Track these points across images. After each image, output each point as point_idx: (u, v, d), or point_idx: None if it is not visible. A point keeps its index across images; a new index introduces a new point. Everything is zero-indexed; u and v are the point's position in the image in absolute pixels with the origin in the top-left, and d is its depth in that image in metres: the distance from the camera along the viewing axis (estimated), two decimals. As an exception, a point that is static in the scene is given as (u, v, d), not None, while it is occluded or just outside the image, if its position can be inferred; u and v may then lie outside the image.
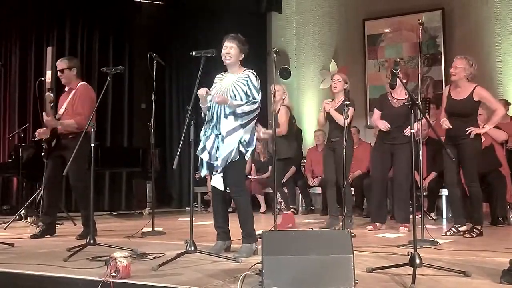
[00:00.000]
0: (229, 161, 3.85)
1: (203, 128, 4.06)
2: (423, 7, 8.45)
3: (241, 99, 3.89)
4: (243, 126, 3.89)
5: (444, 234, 4.97)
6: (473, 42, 8.27)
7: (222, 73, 4.12)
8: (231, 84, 3.96)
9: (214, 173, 3.95)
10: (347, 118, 5.02)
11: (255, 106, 3.91)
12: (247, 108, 3.87)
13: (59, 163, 5.11)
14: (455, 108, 5.02)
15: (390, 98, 5.48)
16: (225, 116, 3.90)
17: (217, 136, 3.95)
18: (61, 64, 5.28)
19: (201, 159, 4.03)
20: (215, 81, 4.11)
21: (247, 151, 3.92)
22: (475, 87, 4.93)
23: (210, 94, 3.92)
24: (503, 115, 4.90)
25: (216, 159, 3.91)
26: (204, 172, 4.11)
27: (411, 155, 5.25)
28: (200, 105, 4.00)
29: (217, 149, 3.92)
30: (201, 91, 3.88)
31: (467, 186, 4.99)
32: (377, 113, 5.61)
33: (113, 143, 9.10)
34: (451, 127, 4.91)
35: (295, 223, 5.92)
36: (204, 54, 3.83)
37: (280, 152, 5.66)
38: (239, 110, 3.86)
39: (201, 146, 4.02)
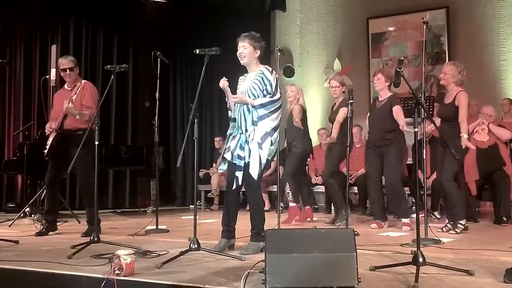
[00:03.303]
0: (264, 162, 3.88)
1: (230, 128, 4.08)
2: (428, 5, 8.44)
3: (259, 97, 3.90)
4: (274, 129, 3.90)
5: (440, 230, 5.00)
6: (477, 40, 8.26)
7: (245, 75, 4.11)
8: (249, 84, 3.96)
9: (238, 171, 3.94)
10: (351, 116, 5.02)
11: (275, 100, 3.90)
12: (267, 104, 3.86)
13: (62, 162, 5.14)
14: (442, 113, 5.17)
15: (376, 102, 5.63)
16: (256, 123, 3.88)
17: (240, 135, 3.96)
18: (68, 62, 5.29)
19: (223, 157, 4.07)
20: (238, 83, 4.10)
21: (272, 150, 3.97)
22: (459, 92, 4.99)
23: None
24: (466, 127, 4.99)
25: (238, 158, 3.92)
26: (225, 167, 4.09)
27: (398, 154, 5.39)
28: (226, 100, 4.04)
29: (239, 147, 3.92)
30: (221, 83, 3.92)
31: (443, 184, 5.05)
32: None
33: (117, 141, 9.12)
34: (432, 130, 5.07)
35: (303, 220, 5.97)
36: (208, 52, 3.83)
37: (297, 144, 5.77)
38: (259, 110, 3.85)
39: (226, 145, 4.06)
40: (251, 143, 3.86)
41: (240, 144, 3.94)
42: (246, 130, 3.93)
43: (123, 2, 9.41)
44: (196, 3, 9.61)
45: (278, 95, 3.93)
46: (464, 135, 4.92)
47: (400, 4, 8.82)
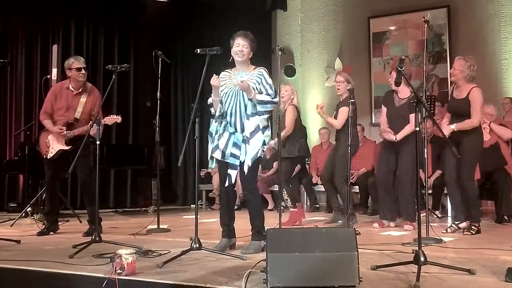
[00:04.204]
0: (255, 159, 3.87)
1: (212, 124, 4.03)
2: (428, 4, 8.44)
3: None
4: (265, 127, 3.91)
5: (445, 231, 4.98)
6: (479, 39, 8.25)
7: (228, 70, 4.08)
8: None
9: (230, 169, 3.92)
10: (352, 116, 5.00)
11: (275, 102, 3.93)
12: (268, 102, 3.87)
13: (63, 161, 5.14)
14: (454, 108, 5.07)
15: (394, 96, 5.48)
16: (248, 117, 3.88)
17: (232, 134, 3.92)
18: (84, 62, 5.23)
19: (212, 156, 4.02)
20: (222, 78, 4.03)
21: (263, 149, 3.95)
22: (473, 88, 4.92)
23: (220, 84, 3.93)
24: (471, 125, 4.88)
25: (231, 156, 3.88)
26: (213, 165, 4.08)
27: (415, 152, 5.29)
28: (212, 97, 3.97)
29: (234, 146, 3.88)
30: (214, 81, 3.88)
31: (464, 184, 4.96)
32: (383, 110, 5.62)
33: (118, 141, 9.12)
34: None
35: (302, 221, 5.93)
36: (209, 52, 3.82)
37: (285, 151, 5.68)
38: (258, 106, 3.85)
39: (213, 144, 3.98)
40: (251, 141, 3.85)
41: (235, 142, 3.90)
42: (242, 130, 3.91)
43: (123, 2, 9.42)
44: (197, 3, 9.60)
45: (277, 98, 3.97)
46: (452, 126, 4.84)
47: (401, 3, 8.82)
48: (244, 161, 3.87)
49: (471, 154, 4.89)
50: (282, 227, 5.13)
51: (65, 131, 5.12)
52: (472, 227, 4.90)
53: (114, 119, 4.96)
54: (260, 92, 3.89)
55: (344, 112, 5.53)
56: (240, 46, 3.95)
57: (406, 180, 5.27)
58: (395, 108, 5.44)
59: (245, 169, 3.86)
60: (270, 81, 3.94)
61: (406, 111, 5.27)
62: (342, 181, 5.60)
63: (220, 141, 3.95)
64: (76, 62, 5.22)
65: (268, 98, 3.88)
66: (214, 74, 3.90)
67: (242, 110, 3.91)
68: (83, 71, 5.20)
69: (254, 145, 3.85)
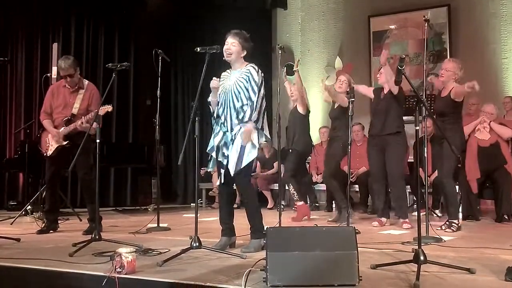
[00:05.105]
0: (243, 163, 3.84)
1: (214, 127, 4.05)
2: (429, 3, 8.44)
3: (245, 96, 3.87)
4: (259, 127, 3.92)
5: (439, 228, 5.00)
6: (479, 38, 8.26)
7: (228, 71, 4.09)
8: (234, 82, 3.94)
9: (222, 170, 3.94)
10: (352, 115, 5.01)
11: (262, 97, 3.89)
12: (255, 109, 3.85)
13: (63, 160, 5.14)
14: (436, 107, 5.18)
15: (381, 92, 5.60)
16: (237, 115, 3.88)
17: (224, 133, 3.94)
18: (67, 69, 5.13)
19: (211, 155, 4.04)
20: (221, 80, 4.06)
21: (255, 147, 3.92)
22: (453, 87, 4.99)
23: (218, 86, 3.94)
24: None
25: (223, 156, 3.90)
26: (212, 166, 4.09)
27: (401, 149, 5.40)
28: (211, 98, 3.99)
29: (224, 145, 3.91)
30: (214, 84, 3.89)
31: (441, 180, 5.08)
32: (369, 88, 5.83)
33: (118, 139, 9.12)
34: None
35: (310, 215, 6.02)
36: (208, 50, 3.82)
37: (298, 142, 5.80)
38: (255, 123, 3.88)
39: (211, 144, 4.02)
40: (235, 141, 3.86)
41: (225, 142, 3.92)
42: (232, 129, 3.91)
43: (124, 1, 9.40)
44: (197, 2, 9.60)
45: (254, 98, 3.86)
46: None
47: (401, 2, 8.82)
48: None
49: (450, 154, 4.89)
50: (292, 222, 5.37)
51: (61, 129, 5.14)
52: (453, 224, 4.98)
53: (105, 108, 4.96)
54: (248, 92, 3.87)
55: (343, 97, 5.68)
56: (228, 45, 3.96)
57: (397, 177, 5.37)
58: (380, 100, 5.57)
59: (230, 168, 3.84)
60: (257, 78, 3.89)
61: (386, 104, 5.41)
62: (329, 177, 5.82)
63: (215, 139, 3.99)
64: (60, 68, 5.20)
65: (248, 112, 3.84)
66: (214, 77, 3.91)
67: (232, 112, 3.90)
68: (68, 79, 5.19)
69: (247, 152, 3.84)
